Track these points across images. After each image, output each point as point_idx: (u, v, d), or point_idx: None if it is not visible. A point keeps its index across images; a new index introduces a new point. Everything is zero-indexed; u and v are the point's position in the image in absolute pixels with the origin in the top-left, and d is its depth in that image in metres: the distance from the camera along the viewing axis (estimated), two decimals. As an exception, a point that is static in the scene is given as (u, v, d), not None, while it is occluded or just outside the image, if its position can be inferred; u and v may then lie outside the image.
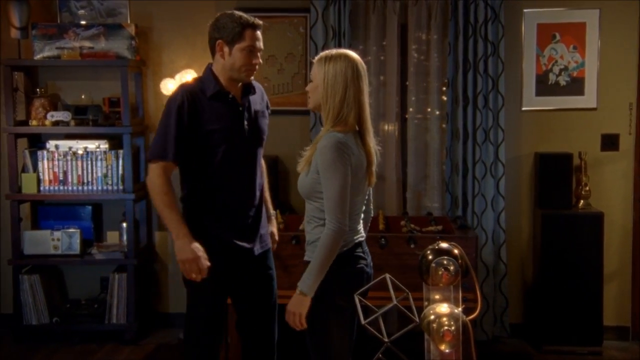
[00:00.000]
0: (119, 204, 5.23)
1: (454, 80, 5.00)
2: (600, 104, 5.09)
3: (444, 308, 2.35)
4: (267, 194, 3.41)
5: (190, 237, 3.03)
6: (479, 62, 4.94)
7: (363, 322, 2.13)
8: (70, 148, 5.05)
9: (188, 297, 3.24)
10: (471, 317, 2.36)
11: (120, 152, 5.03)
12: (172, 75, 5.09)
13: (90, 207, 5.29)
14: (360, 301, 2.24)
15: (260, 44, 3.15)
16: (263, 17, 5.19)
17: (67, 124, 5.00)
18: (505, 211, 5.02)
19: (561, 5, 5.06)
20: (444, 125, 5.09)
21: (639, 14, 5.01)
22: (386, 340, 2.16)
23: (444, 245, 2.43)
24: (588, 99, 5.08)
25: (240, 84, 3.20)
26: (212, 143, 3.09)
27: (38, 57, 5.02)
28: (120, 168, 5.05)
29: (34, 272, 5.08)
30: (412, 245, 3.92)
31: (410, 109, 5.13)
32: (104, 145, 5.07)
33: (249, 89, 3.24)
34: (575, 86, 5.08)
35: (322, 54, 2.91)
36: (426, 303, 2.44)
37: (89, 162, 5.07)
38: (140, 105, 5.28)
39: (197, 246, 3.01)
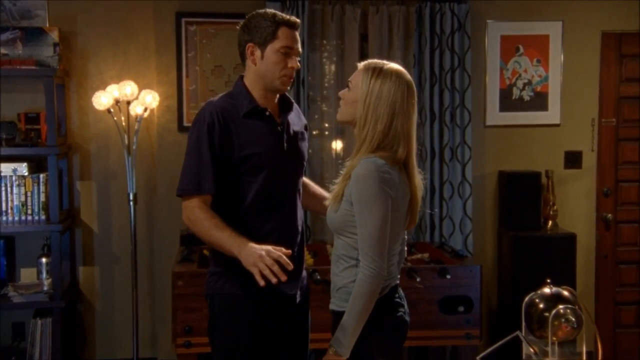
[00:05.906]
0: (34, 237, 4.51)
1: (419, 95, 4.64)
2: (563, 120, 4.89)
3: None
4: (316, 187, 2.92)
5: (249, 242, 2.39)
6: (446, 76, 4.61)
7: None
8: (-20, 173, 4.28)
9: (215, 352, 2.63)
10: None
11: (42, 176, 4.31)
12: (102, 87, 4.44)
13: (2, 241, 4.50)
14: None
15: (297, 45, 2.61)
16: (209, 23, 4.74)
17: (-23, 143, 4.23)
18: (472, 233, 4.71)
19: (524, 16, 4.82)
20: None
21: (601, 26, 4.86)
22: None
23: (554, 289, 2.01)
24: (552, 114, 4.87)
25: (276, 99, 2.68)
26: (249, 170, 2.53)
27: (-63, 64, 4.23)
28: (42, 195, 4.33)
29: None
30: (418, 280, 3.47)
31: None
32: (21, 168, 4.32)
33: (286, 106, 2.71)
34: (539, 101, 4.85)
35: (371, 62, 2.43)
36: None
37: (3, 189, 4.31)
38: (63, 122, 4.55)
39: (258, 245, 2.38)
